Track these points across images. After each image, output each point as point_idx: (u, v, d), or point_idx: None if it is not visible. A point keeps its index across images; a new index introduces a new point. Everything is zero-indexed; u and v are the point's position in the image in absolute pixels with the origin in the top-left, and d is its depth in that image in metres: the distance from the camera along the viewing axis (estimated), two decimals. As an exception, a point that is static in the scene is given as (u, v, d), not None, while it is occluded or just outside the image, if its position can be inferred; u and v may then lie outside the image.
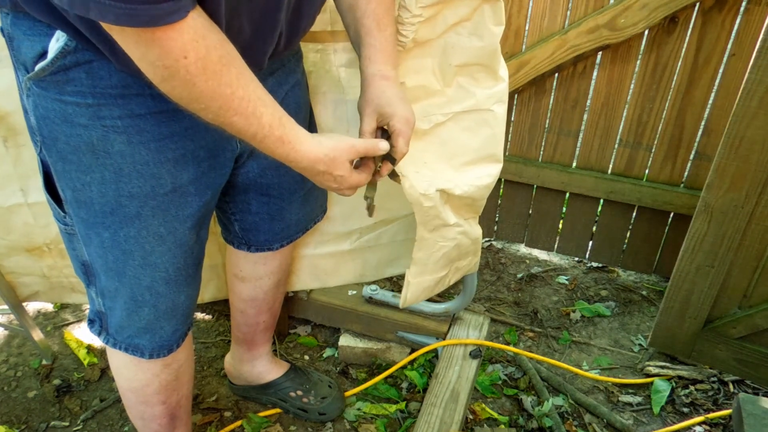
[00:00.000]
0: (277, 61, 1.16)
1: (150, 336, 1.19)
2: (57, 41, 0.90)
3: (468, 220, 1.45)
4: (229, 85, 0.85)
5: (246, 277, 1.51)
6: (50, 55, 0.91)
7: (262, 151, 0.96)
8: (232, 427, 1.69)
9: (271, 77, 1.15)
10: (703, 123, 1.93)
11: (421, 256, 1.42)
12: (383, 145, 1.06)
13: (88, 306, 2.13)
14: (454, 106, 1.32)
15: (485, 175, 1.38)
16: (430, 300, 1.88)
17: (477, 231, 1.50)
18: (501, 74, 1.33)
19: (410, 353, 1.86)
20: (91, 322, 1.23)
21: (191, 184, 1.09)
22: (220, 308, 2.09)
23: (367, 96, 1.11)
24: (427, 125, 1.31)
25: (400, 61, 1.23)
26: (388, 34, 1.13)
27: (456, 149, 1.35)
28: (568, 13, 1.90)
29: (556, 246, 2.39)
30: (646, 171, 2.08)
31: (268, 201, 1.35)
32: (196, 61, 0.80)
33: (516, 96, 2.11)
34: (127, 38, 0.78)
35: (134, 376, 1.26)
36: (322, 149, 0.99)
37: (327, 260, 1.73)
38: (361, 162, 1.10)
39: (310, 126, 1.38)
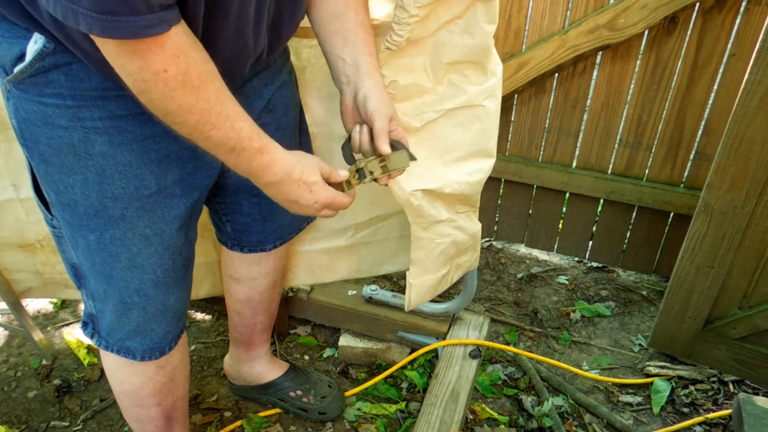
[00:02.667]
0: (262, 62, 1.15)
1: (141, 338, 1.18)
2: (35, 43, 0.90)
3: (463, 215, 1.45)
4: (207, 100, 0.86)
5: (241, 278, 1.51)
6: (28, 57, 0.91)
7: (236, 167, 0.97)
8: (232, 427, 1.69)
9: (255, 78, 1.15)
10: (703, 123, 1.93)
11: (419, 256, 1.42)
12: (343, 173, 1.08)
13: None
14: (446, 103, 1.32)
15: (476, 170, 1.38)
16: (430, 300, 1.88)
17: (474, 226, 1.50)
18: (492, 69, 1.33)
19: (410, 353, 1.86)
20: (84, 325, 1.23)
21: (177, 185, 1.08)
22: (220, 308, 2.09)
23: (383, 101, 1.10)
24: (419, 123, 1.31)
25: (393, 59, 1.23)
26: (373, 42, 1.14)
27: (447, 145, 1.35)
28: (568, 13, 1.90)
29: (556, 246, 2.39)
30: (646, 171, 2.08)
31: (259, 202, 1.34)
32: (176, 76, 0.82)
33: (516, 96, 2.11)
34: (109, 49, 0.79)
35: (128, 379, 1.26)
36: (294, 156, 1.01)
37: (322, 256, 1.73)
38: (344, 189, 1.10)
39: (301, 125, 1.37)
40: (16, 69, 0.92)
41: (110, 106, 0.96)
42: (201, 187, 1.14)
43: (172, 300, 1.18)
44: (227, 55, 0.97)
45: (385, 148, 1.08)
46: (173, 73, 0.81)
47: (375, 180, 1.13)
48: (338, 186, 1.09)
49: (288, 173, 1.00)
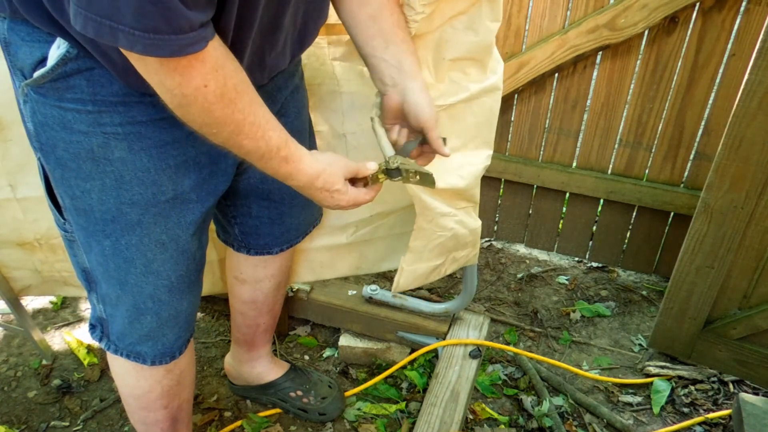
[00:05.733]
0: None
1: (152, 343, 1.18)
2: (58, 48, 0.89)
3: (463, 210, 1.46)
4: (242, 111, 0.87)
5: (246, 279, 1.51)
6: (51, 62, 0.90)
7: (264, 171, 0.98)
8: (232, 427, 1.69)
9: (270, 83, 1.15)
10: (703, 123, 1.93)
11: (417, 245, 1.44)
12: (371, 166, 1.08)
13: (84, 301, 2.14)
14: (448, 98, 1.33)
15: (467, 163, 1.39)
16: (430, 300, 1.88)
17: (474, 222, 1.50)
18: (492, 67, 1.34)
19: (410, 353, 1.86)
20: (92, 328, 1.22)
21: (193, 191, 1.08)
22: (220, 308, 2.09)
23: (431, 108, 1.10)
24: None
25: None
26: (413, 41, 1.14)
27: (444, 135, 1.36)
28: (568, 13, 1.90)
29: (556, 246, 2.39)
30: (646, 171, 2.08)
31: (269, 205, 1.35)
32: (215, 90, 0.82)
33: (516, 96, 2.11)
34: (148, 66, 0.79)
35: (136, 383, 1.26)
36: (319, 164, 1.01)
37: (323, 253, 1.73)
38: (368, 183, 1.10)
39: (310, 128, 1.38)
40: (37, 73, 0.91)
41: (131, 112, 0.96)
42: (216, 193, 1.14)
43: (185, 305, 1.18)
44: (250, 66, 0.98)
45: (445, 151, 1.11)
46: (213, 87, 0.82)
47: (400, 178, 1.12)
48: (363, 180, 1.09)
49: (311, 182, 1.01)
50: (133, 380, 1.26)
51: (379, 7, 1.08)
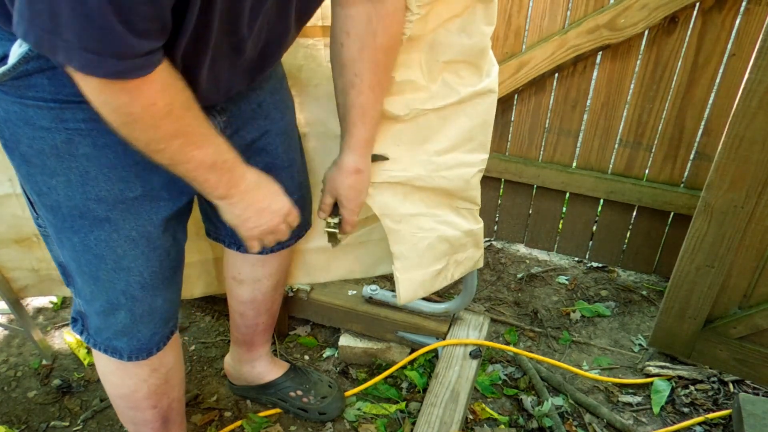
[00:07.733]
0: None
1: (128, 339, 1.17)
2: (20, 47, 0.89)
3: (454, 211, 1.45)
4: (189, 124, 0.89)
5: (244, 279, 1.51)
6: (12, 60, 0.89)
7: (216, 184, 0.99)
8: (232, 427, 1.69)
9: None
10: (703, 123, 1.93)
11: (401, 249, 1.43)
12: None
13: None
14: (437, 101, 1.33)
15: (456, 165, 1.38)
16: (429, 300, 1.88)
17: (468, 223, 1.49)
18: (487, 70, 1.34)
19: (410, 353, 1.86)
20: (74, 321, 1.22)
21: (164, 189, 1.07)
22: (220, 308, 2.09)
23: (336, 180, 1.24)
24: (408, 115, 1.32)
25: None
26: (370, 126, 1.20)
27: (431, 135, 1.36)
28: (568, 13, 1.90)
29: (556, 246, 2.39)
30: (646, 171, 2.08)
31: None
32: (163, 107, 0.82)
33: (516, 96, 2.11)
34: (92, 85, 0.79)
35: (121, 382, 1.25)
36: (256, 170, 1.07)
37: (318, 255, 1.72)
38: None
39: (297, 131, 1.38)
40: None
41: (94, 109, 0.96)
42: (189, 192, 1.13)
43: (160, 302, 1.17)
44: (205, 90, 0.98)
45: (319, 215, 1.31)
46: (161, 105, 0.82)
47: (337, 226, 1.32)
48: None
49: (260, 174, 1.06)
50: (117, 379, 1.25)
51: (349, 83, 1.15)
